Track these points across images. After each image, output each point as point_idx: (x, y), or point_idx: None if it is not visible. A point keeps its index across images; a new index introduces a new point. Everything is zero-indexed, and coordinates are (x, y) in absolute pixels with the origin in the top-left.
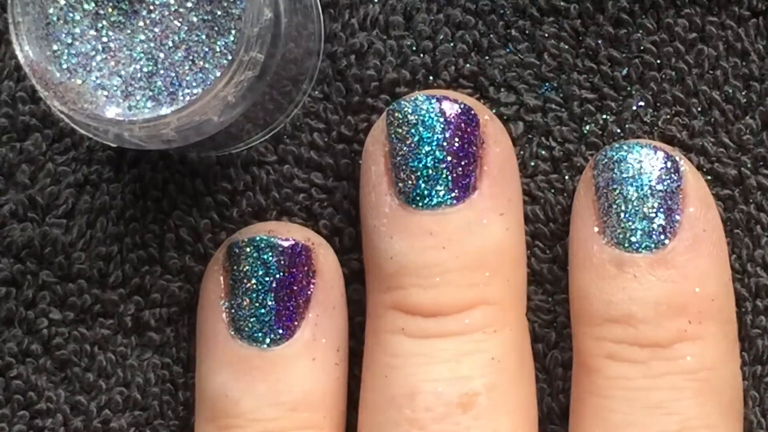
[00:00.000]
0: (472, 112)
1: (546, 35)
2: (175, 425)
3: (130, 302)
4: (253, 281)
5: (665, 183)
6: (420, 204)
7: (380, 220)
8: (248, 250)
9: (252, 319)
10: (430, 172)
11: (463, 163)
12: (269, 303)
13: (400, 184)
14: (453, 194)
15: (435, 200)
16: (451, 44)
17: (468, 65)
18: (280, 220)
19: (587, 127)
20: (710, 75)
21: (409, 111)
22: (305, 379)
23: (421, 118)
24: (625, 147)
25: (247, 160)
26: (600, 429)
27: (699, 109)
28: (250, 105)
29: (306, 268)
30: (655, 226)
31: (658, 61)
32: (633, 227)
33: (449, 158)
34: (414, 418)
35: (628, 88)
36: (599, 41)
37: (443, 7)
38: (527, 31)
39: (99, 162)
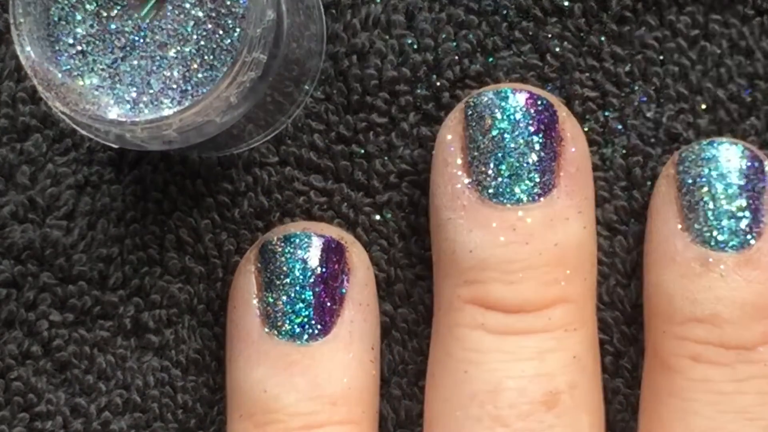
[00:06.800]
0: (554, 108)
1: (549, 36)
2: (174, 428)
3: (129, 304)
4: (290, 278)
5: (752, 182)
6: (503, 199)
7: (457, 213)
8: (284, 247)
9: (290, 315)
10: (514, 167)
11: (545, 159)
12: (306, 299)
13: (480, 178)
14: (535, 191)
15: (517, 196)
16: (454, 43)
17: (474, 66)
18: (282, 221)
19: (587, 125)
20: (714, 72)
21: (492, 104)
22: (344, 374)
23: (505, 111)
24: (713, 144)
25: (249, 161)
26: None
27: (704, 107)
28: (251, 106)
29: (341, 266)
30: (742, 225)
31: (661, 57)
32: (720, 225)
33: (533, 155)
34: (497, 414)
35: (631, 84)
36: (602, 38)
37: (445, 6)
38: (530, 33)
39: (99, 163)
